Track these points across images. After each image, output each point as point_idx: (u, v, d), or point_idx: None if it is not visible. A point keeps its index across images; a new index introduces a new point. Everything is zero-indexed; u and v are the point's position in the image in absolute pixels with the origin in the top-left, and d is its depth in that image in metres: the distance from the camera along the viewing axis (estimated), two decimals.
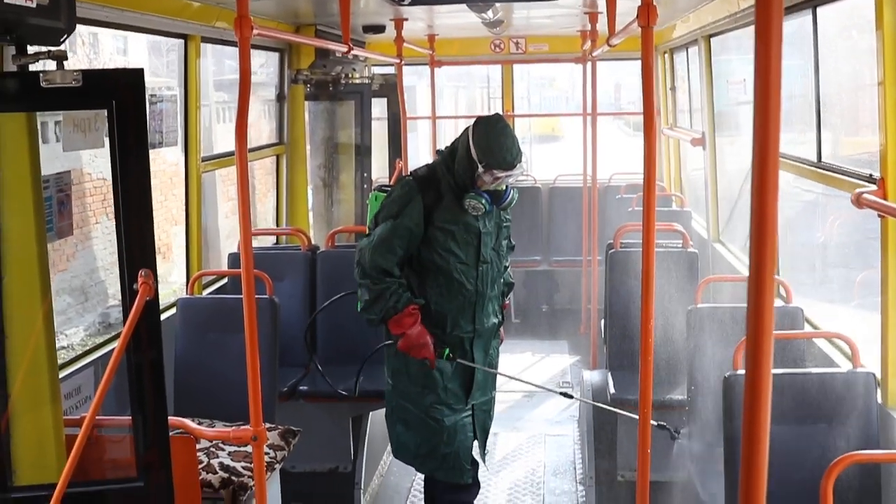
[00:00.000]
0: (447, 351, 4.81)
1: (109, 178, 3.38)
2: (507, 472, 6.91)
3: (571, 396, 5.05)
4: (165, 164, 14.76)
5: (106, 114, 3.32)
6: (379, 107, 9.32)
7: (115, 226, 3.36)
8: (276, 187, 8.48)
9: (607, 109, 27.31)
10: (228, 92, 16.34)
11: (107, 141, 3.58)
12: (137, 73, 3.28)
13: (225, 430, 3.96)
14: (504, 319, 5.16)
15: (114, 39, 15.95)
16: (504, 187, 4.82)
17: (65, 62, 3.53)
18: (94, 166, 13.16)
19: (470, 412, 4.99)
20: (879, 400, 4.11)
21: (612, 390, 5.92)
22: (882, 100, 3.96)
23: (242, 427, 3.83)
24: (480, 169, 4.66)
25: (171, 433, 3.52)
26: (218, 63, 15.46)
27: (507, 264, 5.13)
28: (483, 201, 4.72)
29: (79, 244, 13.44)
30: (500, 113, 5.15)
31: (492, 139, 4.64)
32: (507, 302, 5.24)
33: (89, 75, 3.27)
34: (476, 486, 5.07)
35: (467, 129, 4.77)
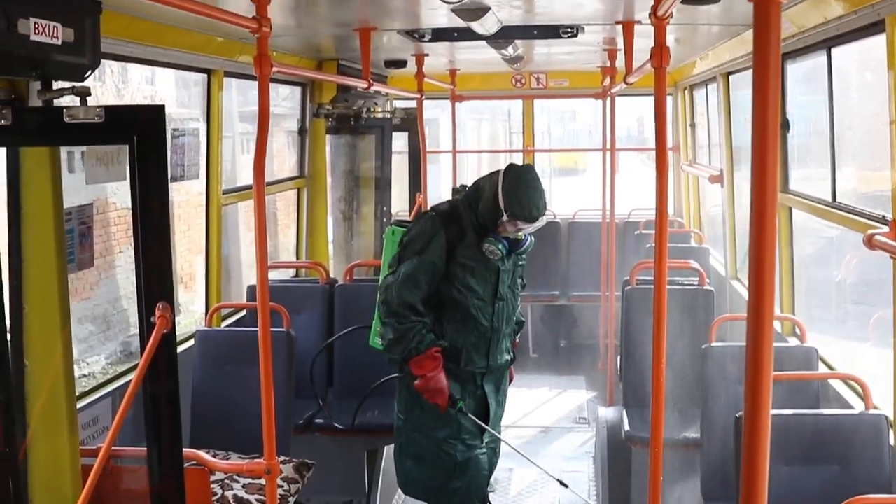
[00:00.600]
0: (461, 403, 4.82)
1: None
2: None
3: (566, 485, 4.95)
4: (191, 195, 14.86)
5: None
6: (400, 140, 9.37)
7: (133, 259, 3.42)
8: (296, 220, 8.53)
9: (630, 143, 27.25)
10: (253, 123, 16.33)
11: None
12: (158, 110, 3.34)
13: (239, 463, 4.00)
14: (515, 358, 5.19)
15: (141, 70, 16.11)
16: (523, 235, 4.88)
17: (88, 98, 3.61)
18: (118, 196, 13.28)
19: (485, 448, 4.99)
20: (892, 442, 4.09)
21: (626, 427, 5.91)
22: (894, 139, 3.97)
23: (256, 460, 3.86)
24: (505, 217, 4.72)
25: (185, 465, 3.56)
26: (244, 94, 15.57)
27: (518, 303, 5.16)
28: (500, 247, 4.78)
29: (102, 273, 13.54)
30: (532, 164, 5.21)
31: (521, 191, 4.70)
32: (518, 340, 5.26)
33: (112, 111, 3.32)
34: None
35: (497, 172, 4.83)
